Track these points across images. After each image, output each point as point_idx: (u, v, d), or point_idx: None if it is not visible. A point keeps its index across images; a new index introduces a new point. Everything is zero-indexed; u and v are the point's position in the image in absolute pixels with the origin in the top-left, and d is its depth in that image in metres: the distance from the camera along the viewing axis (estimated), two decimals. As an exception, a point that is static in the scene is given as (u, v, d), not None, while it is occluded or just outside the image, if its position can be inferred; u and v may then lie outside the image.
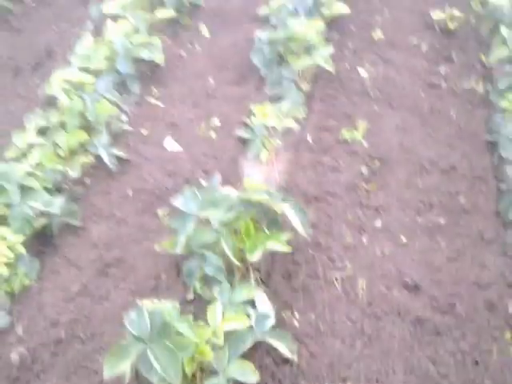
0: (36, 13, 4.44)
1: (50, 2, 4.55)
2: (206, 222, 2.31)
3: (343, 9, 3.87)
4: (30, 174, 2.64)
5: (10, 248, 2.36)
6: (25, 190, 2.57)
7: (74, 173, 2.79)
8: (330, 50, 3.46)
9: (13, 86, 3.67)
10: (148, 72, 3.63)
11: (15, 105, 3.48)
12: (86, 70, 3.28)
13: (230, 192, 2.47)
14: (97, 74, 3.30)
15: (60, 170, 2.76)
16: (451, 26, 3.96)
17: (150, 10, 3.98)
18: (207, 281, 2.27)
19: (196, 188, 2.41)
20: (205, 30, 4.05)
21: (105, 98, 3.21)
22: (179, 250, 2.27)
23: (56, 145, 2.85)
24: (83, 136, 2.93)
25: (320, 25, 3.53)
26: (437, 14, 3.99)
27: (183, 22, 4.12)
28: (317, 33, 3.48)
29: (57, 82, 3.09)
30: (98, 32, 3.83)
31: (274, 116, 3.10)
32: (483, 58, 3.63)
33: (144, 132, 3.23)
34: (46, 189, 2.66)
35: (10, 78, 3.74)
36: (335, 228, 2.63)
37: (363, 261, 2.47)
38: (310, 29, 3.45)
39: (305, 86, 3.44)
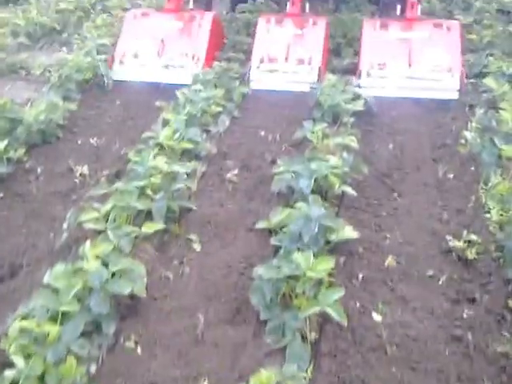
0: (5, 208, 3.92)
1: (23, 194, 4.03)
2: None
3: (351, 234, 3.47)
4: None
5: None
6: None
7: None
8: (340, 293, 2.99)
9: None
10: (127, 304, 3.08)
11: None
12: (53, 313, 2.74)
13: None
14: (64, 315, 2.75)
15: None
16: (470, 255, 3.56)
17: (135, 219, 3.53)
18: None
19: None
20: (196, 242, 3.59)
21: (71, 351, 2.64)
22: None
23: None
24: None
25: (329, 263, 3.08)
26: (453, 242, 3.62)
27: (172, 230, 3.66)
28: (326, 272, 3.04)
29: (13, 337, 2.52)
30: (73, 246, 3.35)
31: (274, 387, 2.56)
32: None
33: (114, 398, 2.63)
34: None
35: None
36: None
37: None
38: (317, 268, 3.00)
39: (311, 335, 2.94)
